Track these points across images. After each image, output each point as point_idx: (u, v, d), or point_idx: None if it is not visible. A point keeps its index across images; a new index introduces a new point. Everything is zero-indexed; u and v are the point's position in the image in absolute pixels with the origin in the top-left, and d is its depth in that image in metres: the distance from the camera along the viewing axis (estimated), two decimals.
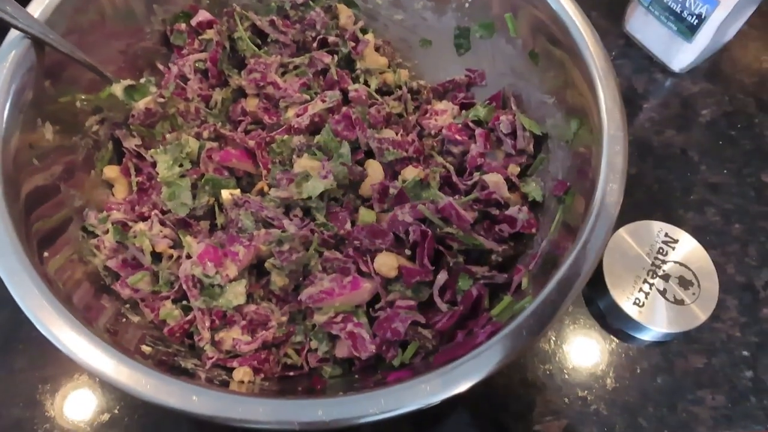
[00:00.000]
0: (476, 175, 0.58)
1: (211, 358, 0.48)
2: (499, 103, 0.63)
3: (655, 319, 0.60)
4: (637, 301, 0.61)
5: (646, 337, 0.62)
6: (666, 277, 0.62)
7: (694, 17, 0.71)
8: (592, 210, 0.48)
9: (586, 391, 0.60)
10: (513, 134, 0.59)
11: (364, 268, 0.53)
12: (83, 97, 0.57)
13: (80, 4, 0.56)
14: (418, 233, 0.52)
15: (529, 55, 0.60)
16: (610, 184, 0.48)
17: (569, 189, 0.53)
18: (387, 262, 0.52)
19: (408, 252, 0.53)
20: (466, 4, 0.64)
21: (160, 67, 0.65)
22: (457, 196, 0.57)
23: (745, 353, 0.62)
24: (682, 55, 0.76)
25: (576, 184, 0.53)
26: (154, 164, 0.59)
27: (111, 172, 0.58)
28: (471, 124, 0.61)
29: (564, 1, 0.56)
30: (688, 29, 0.72)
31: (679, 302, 0.61)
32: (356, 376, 0.50)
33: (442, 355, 0.45)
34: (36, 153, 0.52)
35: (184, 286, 0.50)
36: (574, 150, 0.55)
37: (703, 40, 0.73)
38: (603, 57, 0.53)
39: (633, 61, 0.79)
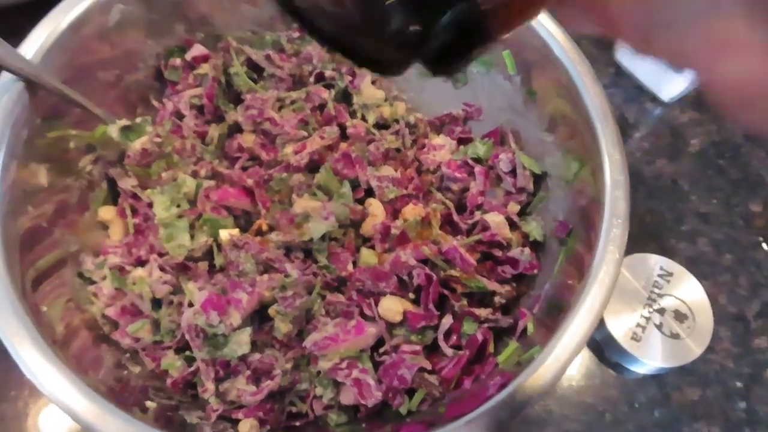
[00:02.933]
0: (477, 214, 0.58)
1: (216, 410, 0.48)
2: (498, 139, 0.63)
3: (652, 353, 0.61)
4: (635, 335, 0.62)
5: (643, 370, 0.63)
6: (662, 311, 0.63)
7: None
8: (595, 256, 0.48)
9: (585, 427, 0.61)
10: (513, 172, 0.60)
11: (368, 312, 0.52)
12: (75, 133, 0.56)
13: (73, 43, 0.55)
14: (422, 277, 0.52)
15: (527, 93, 0.60)
16: (613, 230, 0.49)
17: (571, 231, 0.54)
18: (392, 307, 0.51)
19: (412, 295, 0.53)
20: None
21: (154, 102, 0.64)
22: (459, 237, 0.57)
23: (739, 384, 0.64)
24: (671, 86, 0.77)
25: (578, 226, 0.53)
26: (150, 204, 0.57)
27: (106, 213, 0.57)
28: (470, 161, 0.61)
29: (561, 41, 0.56)
30: None
31: (675, 336, 0.62)
32: (363, 425, 0.50)
33: (453, 408, 0.45)
34: (30, 198, 0.51)
35: (187, 336, 0.49)
36: (575, 191, 0.55)
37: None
38: (602, 98, 0.54)
39: (623, 90, 0.81)
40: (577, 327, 0.45)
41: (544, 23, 0.56)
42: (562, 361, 0.43)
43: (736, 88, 0.18)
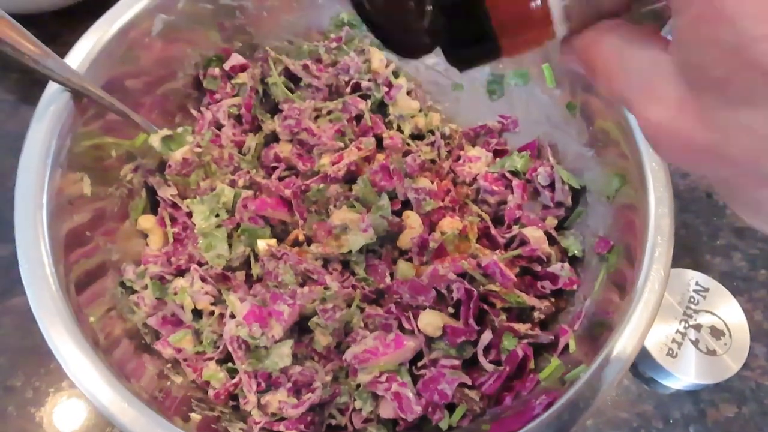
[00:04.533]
0: (515, 228, 0.58)
1: (258, 422, 0.48)
2: (535, 152, 0.63)
3: (688, 370, 0.61)
4: (670, 352, 0.61)
5: (677, 385, 0.63)
6: (698, 327, 0.62)
7: None
8: (640, 274, 0.48)
9: None
10: (551, 186, 0.59)
11: (407, 326, 0.52)
12: (116, 141, 0.57)
13: (117, 53, 0.55)
14: (462, 292, 0.52)
15: (566, 106, 0.60)
16: (657, 249, 0.48)
17: (613, 248, 0.53)
18: (432, 322, 0.51)
19: (450, 309, 0.53)
20: None
21: (192, 111, 0.64)
22: (498, 251, 0.57)
23: None
24: None
25: (619, 243, 0.53)
26: (189, 213, 0.58)
27: (146, 222, 0.57)
28: (508, 174, 0.61)
29: None
30: None
31: (711, 353, 0.61)
32: None
33: (498, 426, 0.45)
34: (74, 206, 0.51)
35: (230, 348, 0.49)
36: (616, 207, 0.55)
37: None
38: None
39: None
40: (623, 346, 0.44)
41: None
42: (609, 381, 0.43)
43: (654, 131, 0.22)
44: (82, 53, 0.53)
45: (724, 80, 0.19)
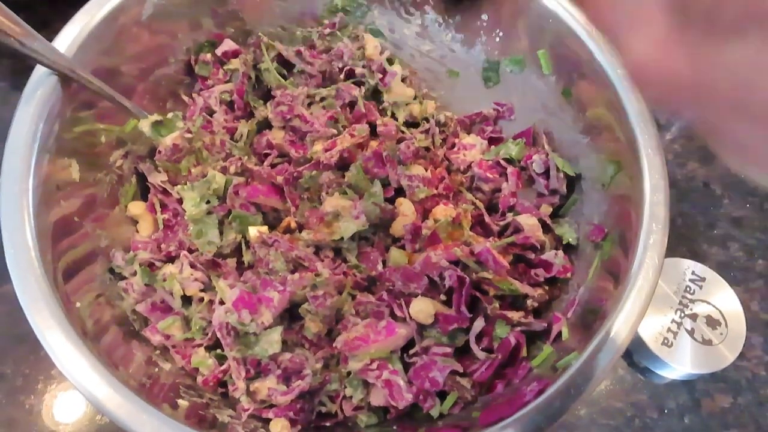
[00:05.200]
0: (509, 216, 0.58)
1: (247, 409, 0.47)
2: (530, 139, 0.63)
3: (683, 359, 0.60)
4: (665, 341, 0.61)
5: (672, 375, 0.62)
6: (694, 317, 0.62)
7: None
8: (633, 261, 0.47)
9: (614, 431, 0.60)
10: (546, 174, 0.59)
11: (398, 313, 0.52)
12: (106, 127, 0.56)
13: (106, 37, 0.54)
14: (455, 279, 0.51)
15: (562, 93, 0.59)
16: (652, 236, 0.48)
17: (607, 235, 0.53)
18: (424, 309, 0.51)
19: (443, 297, 0.53)
20: (497, 38, 0.63)
21: (184, 97, 0.63)
22: (491, 238, 0.56)
23: None
24: None
25: (614, 230, 0.52)
26: (179, 200, 0.57)
27: (136, 208, 0.57)
28: (502, 162, 0.60)
29: (600, 42, 0.55)
30: None
31: (707, 342, 0.61)
32: (394, 427, 0.50)
33: (488, 413, 0.44)
34: (62, 192, 0.51)
35: (219, 335, 0.48)
36: (611, 195, 0.54)
37: None
38: (641, 101, 0.53)
39: None
40: (616, 334, 0.44)
41: (583, 24, 0.55)
42: (601, 368, 0.43)
43: (638, 66, 0.21)
44: (69, 37, 0.52)
45: (713, 10, 0.18)
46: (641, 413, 0.61)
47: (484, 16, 0.63)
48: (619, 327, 0.44)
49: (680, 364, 0.60)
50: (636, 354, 0.63)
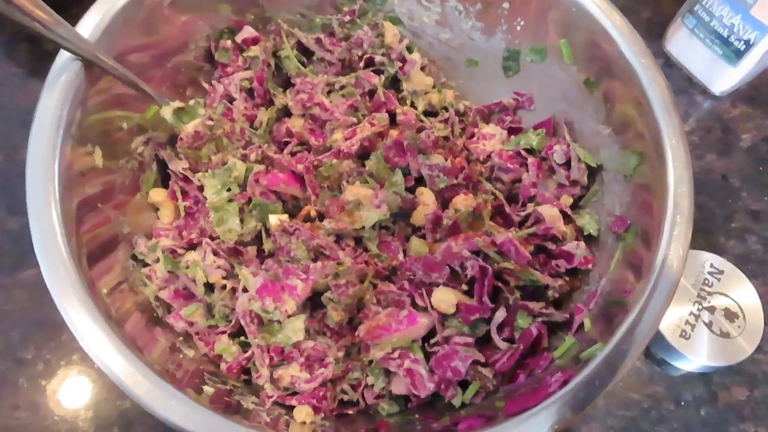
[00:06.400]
0: (530, 206, 0.58)
1: (271, 396, 0.48)
2: (550, 130, 0.62)
3: (701, 352, 0.60)
4: (683, 333, 0.61)
5: (689, 367, 0.62)
6: (712, 309, 0.62)
7: (742, 42, 0.70)
8: (657, 253, 0.47)
9: (630, 423, 0.60)
10: (567, 164, 0.59)
11: (420, 302, 0.52)
12: (127, 114, 0.56)
13: (129, 23, 0.54)
14: (477, 269, 0.51)
15: (584, 83, 0.59)
16: (677, 227, 0.48)
17: (630, 227, 0.53)
18: (446, 299, 0.51)
19: (464, 286, 0.53)
20: (518, 27, 0.63)
21: (204, 84, 0.63)
22: (512, 229, 0.56)
23: None
24: (724, 79, 0.75)
25: (637, 222, 0.52)
26: (200, 187, 0.57)
27: (157, 195, 0.57)
28: (523, 152, 0.60)
29: (624, 30, 0.55)
30: (734, 54, 0.72)
31: (724, 335, 0.61)
32: (416, 415, 0.50)
33: (513, 403, 0.44)
34: (85, 178, 0.51)
35: (242, 322, 0.49)
36: (634, 186, 0.54)
37: (748, 65, 0.72)
38: (665, 91, 0.52)
39: (673, 82, 0.79)
40: (641, 325, 0.44)
41: (605, 11, 0.55)
42: (627, 360, 0.43)
43: None
44: (92, 23, 0.52)
45: None
46: (658, 405, 0.61)
47: (506, 5, 0.62)
48: (644, 319, 0.44)
49: (697, 356, 0.60)
50: (653, 346, 0.63)
